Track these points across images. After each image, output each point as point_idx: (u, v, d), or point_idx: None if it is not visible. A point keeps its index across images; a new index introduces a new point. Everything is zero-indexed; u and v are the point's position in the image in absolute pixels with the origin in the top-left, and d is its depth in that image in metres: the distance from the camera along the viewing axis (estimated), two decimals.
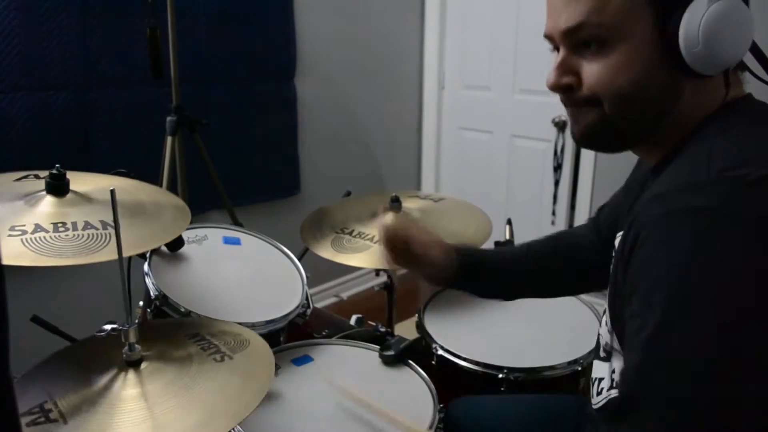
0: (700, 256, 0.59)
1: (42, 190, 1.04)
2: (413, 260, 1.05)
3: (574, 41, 0.72)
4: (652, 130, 0.73)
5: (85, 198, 1.07)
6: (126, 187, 1.20)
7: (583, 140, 0.77)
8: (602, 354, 0.84)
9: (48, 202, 1.03)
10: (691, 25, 0.65)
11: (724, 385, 0.57)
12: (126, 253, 0.91)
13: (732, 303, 0.58)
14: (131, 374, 0.87)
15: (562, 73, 0.73)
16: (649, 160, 0.79)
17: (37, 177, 1.12)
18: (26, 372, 0.92)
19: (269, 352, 0.95)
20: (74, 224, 0.98)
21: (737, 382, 0.57)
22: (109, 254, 0.93)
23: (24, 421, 0.78)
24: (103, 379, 0.86)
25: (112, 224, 0.99)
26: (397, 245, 1.04)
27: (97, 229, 0.98)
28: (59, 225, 0.97)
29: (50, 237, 0.94)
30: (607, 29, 0.68)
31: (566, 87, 0.74)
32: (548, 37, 0.76)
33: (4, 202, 1.01)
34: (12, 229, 0.94)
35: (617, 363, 0.78)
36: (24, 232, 0.93)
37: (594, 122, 0.73)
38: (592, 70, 0.71)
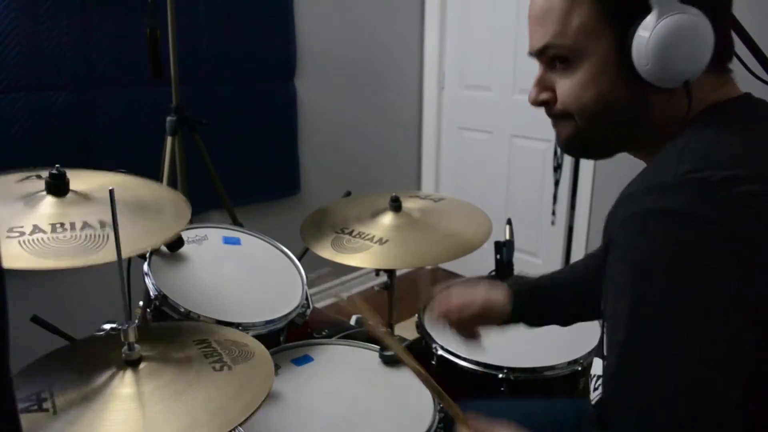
0: (659, 259, 0.60)
1: (42, 191, 1.04)
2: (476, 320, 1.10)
3: (546, 60, 0.77)
4: (627, 140, 0.77)
5: (84, 197, 1.07)
6: (126, 184, 1.19)
7: (566, 150, 0.83)
8: (601, 351, 0.85)
9: (48, 202, 1.02)
10: (640, 43, 0.67)
11: (699, 390, 0.57)
12: (125, 253, 0.90)
13: (693, 305, 0.58)
14: (128, 374, 0.87)
15: (540, 90, 0.79)
16: (645, 162, 0.81)
17: (39, 177, 1.12)
18: (31, 363, 0.92)
19: (271, 367, 0.93)
20: (72, 224, 0.98)
21: (711, 386, 0.57)
22: (106, 256, 0.92)
23: (19, 407, 0.78)
24: (102, 377, 0.86)
25: (111, 224, 0.99)
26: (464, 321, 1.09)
27: (94, 229, 0.98)
28: (57, 226, 0.97)
29: (48, 238, 0.93)
30: (569, 49, 0.72)
31: (543, 103, 0.79)
32: (531, 55, 0.81)
33: (5, 203, 1.01)
34: (10, 230, 0.93)
35: None
36: (22, 234, 0.93)
37: (571, 134, 0.78)
38: (562, 87, 0.76)
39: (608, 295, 0.65)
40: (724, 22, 0.71)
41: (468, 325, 1.09)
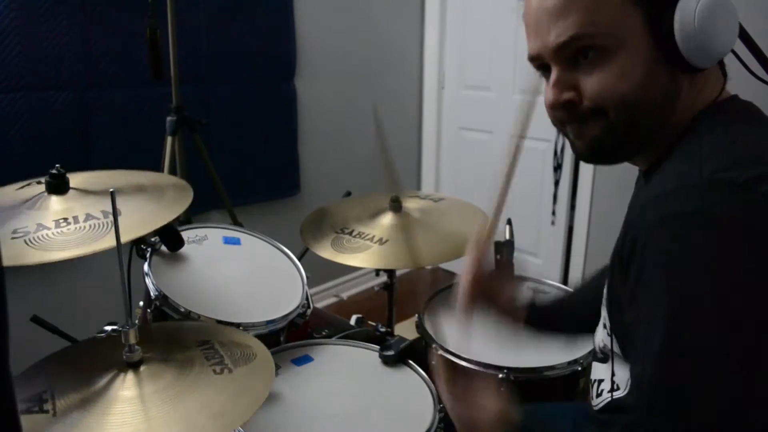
0: (697, 264, 0.59)
1: (43, 192, 1.04)
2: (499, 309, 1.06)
3: (567, 55, 0.71)
4: (656, 133, 0.73)
5: (85, 193, 1.07)
6: (125, 174, 1.20)
7: (590, 155, 0.77)
8: (599, 355, 0.84)
9: (50, 202, 1.03)
10: (685, 17, 0.66)
11: (739, 393, 0.58)
12: (131, 236, 0.91)
13: (733, 310, 0.58)
14: (129, 376, 0.86)
15: (561, 90, 0.72)
16: (641, 166, 0.79)
17: (39, 183, 1.13)
18: (32, 364, 0.92)
19: (272, 369, 0.93)
20: (75, 218, 0.99)
21: (748, 387, 0.58)
22: (112, 241, 0.92)
23: (20, 407, 0.78)
24: (103, 379, 0.86)
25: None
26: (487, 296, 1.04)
27: (98, 218, 0.98)
28: (61, 221, 0.97)
29: (52, 234, 0.94)
30: (603, 37, 0.68)
31: (568, 103, 0.72)
32: (535, 57, 0.76)
33: (7, 210, 1.01)
34: (15, 232, 0.93)
35: (618, 366, 0.78)
36: (27, 233, 0.93)
37: (600, 134, 0.73)
38: (592, 81, 0.70)
39: (638, 299, 0.64)
40: None
41: (487, 307, 1.06)
